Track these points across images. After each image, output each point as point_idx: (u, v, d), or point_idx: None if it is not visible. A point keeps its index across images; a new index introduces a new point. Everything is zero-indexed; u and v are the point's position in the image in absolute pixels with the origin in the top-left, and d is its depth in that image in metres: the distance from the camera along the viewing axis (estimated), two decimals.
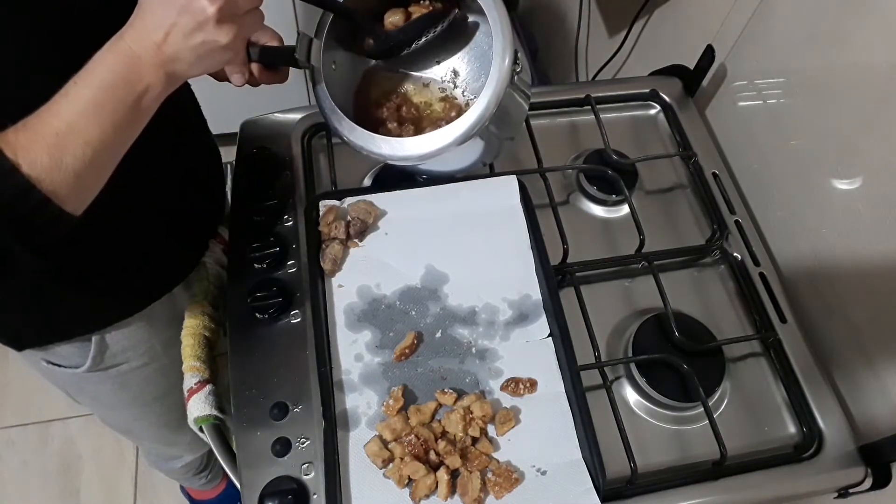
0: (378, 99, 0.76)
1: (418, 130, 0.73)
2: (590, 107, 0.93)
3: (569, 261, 0.79)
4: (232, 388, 0.70)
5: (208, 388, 0.74)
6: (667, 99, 0.97)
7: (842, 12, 0.72)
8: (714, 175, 0.90)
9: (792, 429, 0.75)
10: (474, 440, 0.66)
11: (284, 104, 0.94)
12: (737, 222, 0.87)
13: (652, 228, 0.83)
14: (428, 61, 0.76)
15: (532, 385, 0.69)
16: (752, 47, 0.88)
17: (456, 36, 0.74)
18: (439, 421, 0.67)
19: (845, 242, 0.76)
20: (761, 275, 0.83)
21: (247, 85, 0.66)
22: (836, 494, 0.73)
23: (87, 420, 1.63)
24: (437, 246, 0.77)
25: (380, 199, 0.78)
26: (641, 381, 0.74)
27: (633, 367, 0.75)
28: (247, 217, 0.80)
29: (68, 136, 0.50)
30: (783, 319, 0.80)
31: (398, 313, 0.73)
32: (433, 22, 0.70)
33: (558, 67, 1.61)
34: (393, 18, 0.71)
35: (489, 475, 0.64)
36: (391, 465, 0.64)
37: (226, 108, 0.92)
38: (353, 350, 0.71)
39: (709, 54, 0.93)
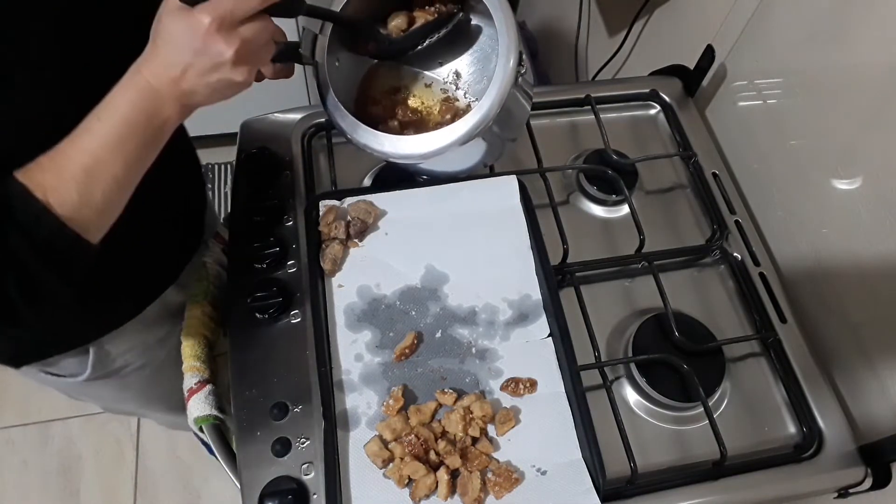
0: (380, 98, 0.76)
1: (419, 131, 0.73)
2: (590, 107, 0.93)
3: (569, 261, 0.79)
4: (232, 388, 0.70)
5: (208, 388, 0.74)
6: (667, 99, 0.97)
7: (842, 12, 0.72)
8: (714, 175, 0.90)
9: (792, 429, 0.75)
10: (474, 440, 0.66)
11: (284, 104, 0.94)
12: (737, 222, 0.87)
13: (652, 228, 0.83)
14: (431, 62, 0.76)
15: (532, 385, 0.69)
16: (752, 47, 0.88)
17: (459, 38, 0.74)
18: (439, 421, 0.67)
19: (845, 242, 0.76)
20: (761, 275, 0.83)
21: None
22: (836, 494, 0.73)
23: (87, 420, 1.63)
24: (437, 246, 0.77)
25: (380, 200, 0.78)
26: (641, 381, 0.74)
27: (633, 367, 0.75)
28: (247, 217, 0.80)
29: (97, 172, 0.51)
30: (783, 319, 0.80)
31: (398, 313, 0.73)
32: (437, 27, 0.70)
33: (558, 67, 1.61)
34: (396, 22, 0.71)
35: (489, 475, 0.64)
36: (391, 465, 0.64)
37: (226, 108, 0.91)
38: (353, 350, 0.71)
39: (709, 54, 0.93)
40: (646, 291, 0.82)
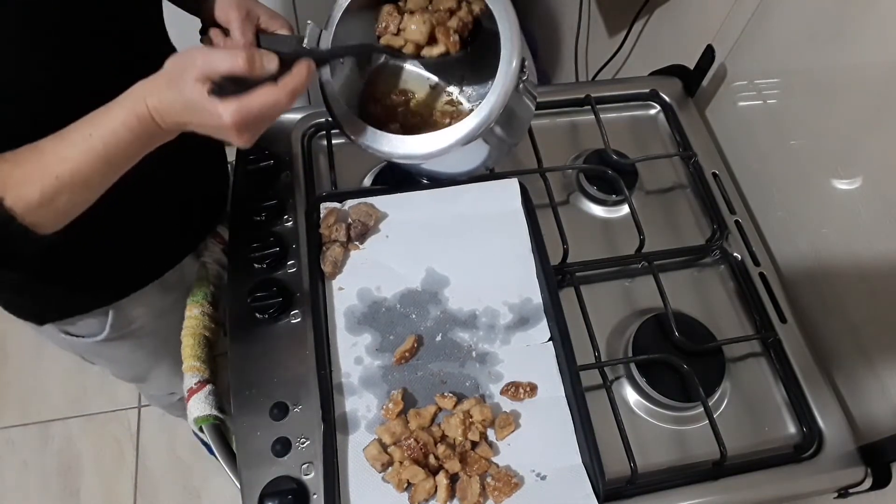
0: (383, 98, 0.76)
1: (421, 132, 0.73)
2: (590, 107, 0.93)
3: (569, 261, 0.79)
4: (232, 388, 0.70)
5: (208, 388, 0.74)
6: (667, 99, 0.97)
7: (842, 12, 0.72)
8: (714, 175, 0.90)
9: (792, 429, 0.75)
10: (474, 444, 0.66)
11: None
12: (737, 222, 0.87)
13: (652, 228, 0.83)
14: (436, 65, 0.76)
15: (532, 389, 0.69)
16: (752, 47, 0.88)
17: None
18: (439, 425, 0.67)
19: (845, 242, 0.76)
20: (761, 275, 0.83)
21: None
22: (836, 494, 0.73)
23: (87, 420, 1.63)
24: (438, 249, 0.77)
25: (381, 202, 0.78)
26: (641, 381, 0.74)
27: (633, 367, 0.75)
28: (247, 217, 0.80)
29: (70, 181, 0.52)
30: (783, 319, 0.80)
31: (398, 316, 0.73)
32: (445, 56, 0.70)
33: (558, 67, 1.61)
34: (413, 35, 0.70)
35: (488, 480, 0.64)
36: (390, 468, 0.64)
37: None
38: (353, 353, 0.71)
39: (709, 54, 0.93)
40: (646, 291, 0.82)
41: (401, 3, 0.71)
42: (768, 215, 0.87)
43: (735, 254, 0.85)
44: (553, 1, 1.55)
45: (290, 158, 0.86)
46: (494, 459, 0.66)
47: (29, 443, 1.61)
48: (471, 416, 0.66)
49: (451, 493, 0.63)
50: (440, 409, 0.68)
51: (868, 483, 0.71)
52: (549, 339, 0.72)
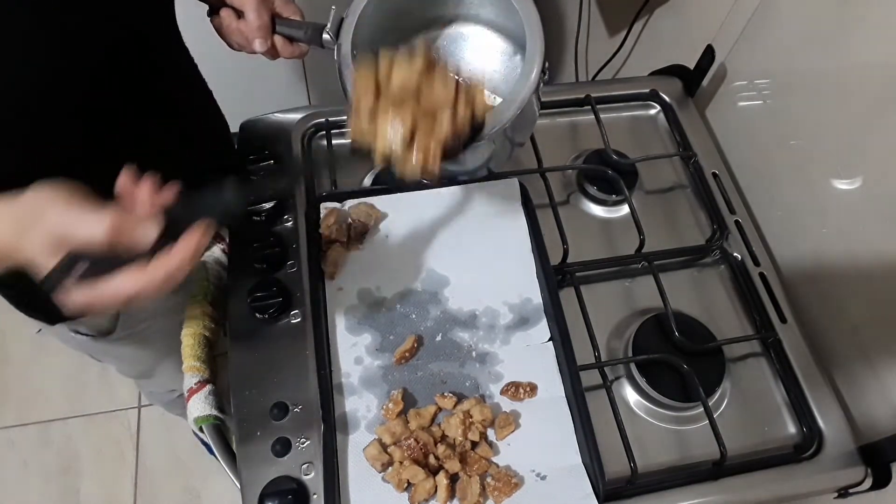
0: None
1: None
2: (590, 107, 0.93)
3: (569, 261, 0.79)
4: (232, 388, 0.70)
5: (208, 388, 0.74)
6: (667, 99, 0.97)
7: (842, 12, 0.72)
8: (714, 175, 0.90)
9: (792, 429, 0.75)
10: (474, 444, 0.66)
11: (284, 104, 0.93)
12: (737, 222, 0.87)
13: (652, 228, 0.83)
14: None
15: (532, 389, 0.69)
16: (752, 47, 0.88)
17: (472, 49, 0.75)
18: (439, 425, 0.67)
19: (845, 242, 0.76)
20: (761, 275, 0.83)
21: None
22: (836, 494, 0.73)
23: (87, 420, 1.63)
24: (438, 249, 0.77)
25: (381, 202, 0.78)
26: (641, 381, 0.74)
27: (633, 367, 0.75)
28: (247, 217, 0.80)
29: None
30: (783, 319, 0.80)
31: (398, 316, 0.73)
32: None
33: (558, 67, 1.61)
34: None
35: (488, 480, 0.64)
36: (390, 468, 0.64)
37: (226, 108, 0.92)
38: (353, 353, 0.71)
39: (709, 54, 0.93)
40: (646, 291, 0.81)
41: (382, 70, 0.58)
42: (768, 215, 0.87)
43: (735, 254, 0.85)
44: (553, 1, 1.55)
45: (290, 158, 0.86)
46: (494, 459, 0.66)
47: (29, 443, 1.61)
48: (471, 416, 0.66)
49: (451, 493, 0.63)
50: (440, 409, 0.68)
51: (868, 483, 0.71)
52: (549, 339, 0.72)
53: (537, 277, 0.75)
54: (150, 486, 1.57)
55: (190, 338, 0.77)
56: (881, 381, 0.72)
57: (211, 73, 0.86)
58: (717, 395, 0.75)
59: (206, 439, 0.73)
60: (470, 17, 0.75)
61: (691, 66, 0.97)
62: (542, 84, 0.65)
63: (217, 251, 0.86)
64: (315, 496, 0.63)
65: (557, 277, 0.79)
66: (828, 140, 0.77)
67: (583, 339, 0.74)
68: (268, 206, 0.80)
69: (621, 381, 0.76)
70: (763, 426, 0.75)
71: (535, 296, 0.74)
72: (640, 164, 0.89)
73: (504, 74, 0.75)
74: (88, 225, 0.41)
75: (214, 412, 0.73)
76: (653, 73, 1.03)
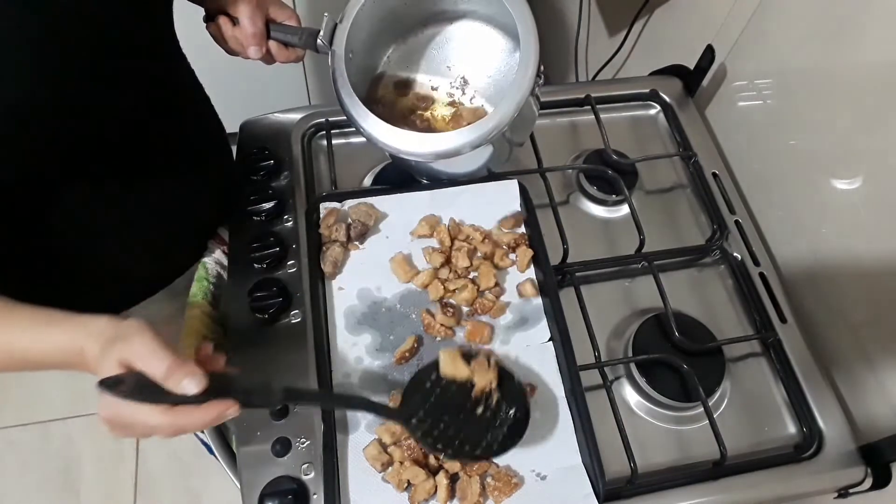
0: (384, 97, 0.76)
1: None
2: (590, 107, 0.93)
3: (569, 261, 0.79)
4: None
5: None
6: (667, 99, 0.97)
7: (842, 12, 0.72)
8: (714, 175, 0.90)
9: (792, 429, 0.75)
10: None
11: (284, 104, 0.94)
12: (737, 222, 0.87)
13: (652, 228, 0.83)
14: (439, 65, 0.76)
15: (532, 389, 0.69)
16: (752, 47, 0.88)
17: (470, 46, 0.75)
18: None
19: (845, 242, 0.76)
20: (761, 275, 0.83)
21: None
22: (836, 494, 0.73)
23: (87, 420, 1.63)
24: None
25: (381, 202, 0.78)
26: (641, 381, 0.74)
27: (633, 367, 0.75)
28: (247, 217, 0.80)
29: None
30: (783, 319, 0.80)
31: (399, 316, 0.73)
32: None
33: (558, 67, 1.61)
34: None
35: (488, 480, 0.64)
36: (390, 468, 0.64)
37: (226, 108, 0.92)
38: (354, 353, 0.71)
39: (709, 54, 0.93)
40: (646, 291, 0.81)
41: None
42: (768, 215, 0.88)
43: (735, 254, 0.85)
44: (553, 1, 1.55)
45: (290, 158, 0.86)
46: (494, 459, 0.66)
47: (29, 443, 1.61)
48: None
49: (451, 493, 0.63)
50: None
51: (868, 483, 0.71)
52: (549, 339, 0.72)
53: (537, 279, 0.75)
54: (150, 486, 1.57)
55: (190, 338, 0.77)
56: (881, 381, 0.72)
57: (211, 73, 0.86)
58: (717, 395, 0.75)
59: (206, 439, 0.74)
60: (468, 14, 0.75)
61: (691, 66, 0.97)
62: (539, 84, 0.65)
63: (217, 251, 0.86)
64: (315, 496, 0.63)
65: (557, 277, 0.79)
66: (828, 140, 0.77)
67: (583, 339, 0.74)
68: (268, 206, 0.80)
69: (621, 381, 0.76)
70: (763, 426, 0.75)
71: (535, 296, 0.74)
72: (640, 164, 0.89)
73: (505, 72, 0.75)
74: (152, 360, 0.50)
75: None
76: (653, 73, 1.03)
